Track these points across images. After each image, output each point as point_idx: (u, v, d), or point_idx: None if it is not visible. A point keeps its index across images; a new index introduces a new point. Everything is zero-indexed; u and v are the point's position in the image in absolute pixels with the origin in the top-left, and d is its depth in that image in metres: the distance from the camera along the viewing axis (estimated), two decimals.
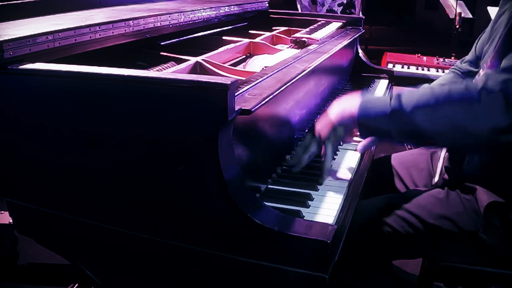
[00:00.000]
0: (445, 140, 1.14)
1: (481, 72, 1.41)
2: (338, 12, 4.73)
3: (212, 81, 0.97)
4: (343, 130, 1.25)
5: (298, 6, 4.91)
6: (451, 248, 1.38)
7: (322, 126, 1.28)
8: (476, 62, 1.67)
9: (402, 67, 3.76)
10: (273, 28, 2.32)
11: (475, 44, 1.70)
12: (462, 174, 1.42)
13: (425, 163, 1.70)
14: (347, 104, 1.22)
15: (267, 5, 2.54)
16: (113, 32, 1.42)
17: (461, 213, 1.36)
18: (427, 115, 1.07)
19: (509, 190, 1.32)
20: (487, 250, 1.35)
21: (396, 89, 1.58)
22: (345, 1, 4.77)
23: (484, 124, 1.03)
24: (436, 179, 1.57)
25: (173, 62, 1.54)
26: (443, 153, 1.56)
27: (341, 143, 1.44)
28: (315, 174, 1.33)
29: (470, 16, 4.37)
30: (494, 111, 1.02)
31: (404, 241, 1.41)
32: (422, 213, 1.39)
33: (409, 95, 1.12)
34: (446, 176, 1.53)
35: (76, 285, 1.95)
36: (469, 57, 1.73)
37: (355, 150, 1.41)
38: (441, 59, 3.84)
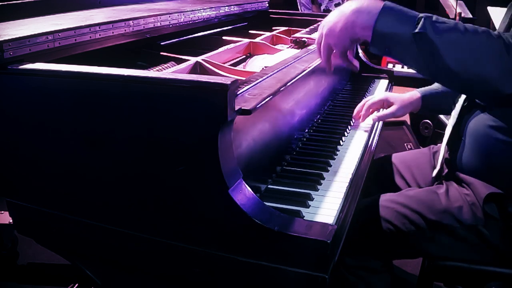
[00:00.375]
0: (459, 71, 1.08)
1: None
2: None
3: (212, 81, 0.97)
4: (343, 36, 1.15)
5: (298, 6, 4.90)
6: (452, 245, 1.38)
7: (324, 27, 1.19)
8: None
9: (402, 67, 3.76)
10: (273, 28, 2.32)
11: None
12: (458, 165, 1.44)
13: (427, 162, 1.71)
14: (363, 3, 1.11)
15: (267, 5, 2.54)
16: (113, 32, 1.42)
17: (461, 207, 1.36)
18: (452, 41, 1.05)
19: (505, 181, 1.32)
20: (487, 246, 1.35)
21: None
22: (340, 1, 4.77)
23: (501, 64, 1.04)
24: (435, 171, 1.58)
25: (173, 62, 1.54)
26: (443, 145, 1.57)
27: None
28: (315, 174, 1.33)
29: (470, 16, 4.37)
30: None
31: (405, 239, 1.41)
32: (422, 209, 1.39)
33: (441, 19, 1.08)
34: (446, 169, 1.54)
35: (76, 285, 1.95)
36: None
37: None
38: None
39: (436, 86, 1.78)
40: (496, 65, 1.05)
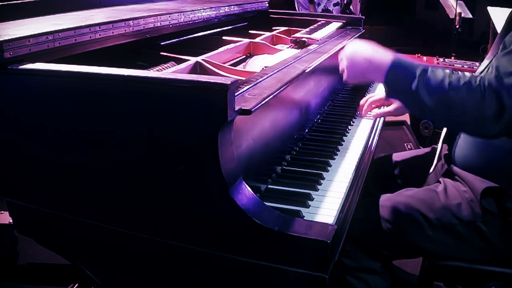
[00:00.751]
0: (449, 124, 1.33)
1: (479, 63, 1.49)
2: (334, 12, 4.73)
3: (212, 81, 0.97)
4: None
5: (296, 5, 4.90)
6: (452, 243, 1.38)
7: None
8: None
9: None
10: (273, 28, 2.32)
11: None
12: (454, 160, 1.46)
13: (427, 162, 1.71)
14: (375, 54, 1.29)
15: (267, 5, 2.54)
16: (113, 32, 1.41)
17: (459, 203, 1.38)
18: (438, 98, 1.20)
19: (501, 175, 1.34)
20: (486, 243, 1.36)
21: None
22: (339, 1, 4.77)
23: (480, 115, 1.16)
24: (432, 167, 1.60)
25: (173, 62, 1.54)
26: (441, 140, 1.58)
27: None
28: (315, 174, 1.33)
29: (470, 16, 4.37)
30: (489, 108, 1.15)
31: (406, 238, 1.41)
32: (422, 208, 1.39)
33: (433, 76, 1.21)
34: (444, 166, 1.56)
35: (76, 285, 1.95)
36: None
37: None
38: (441, 59, 3.84)
39: None
40: (475, 116, 1.18)
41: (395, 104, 1.78)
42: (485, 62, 1.46)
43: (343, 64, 1.38)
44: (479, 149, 1.40)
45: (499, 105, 1.14)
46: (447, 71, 1.23)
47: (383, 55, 1.28)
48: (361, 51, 1.33)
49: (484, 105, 1.15)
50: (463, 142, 1.44)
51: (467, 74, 1.22)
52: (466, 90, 1.17)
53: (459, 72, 1.23)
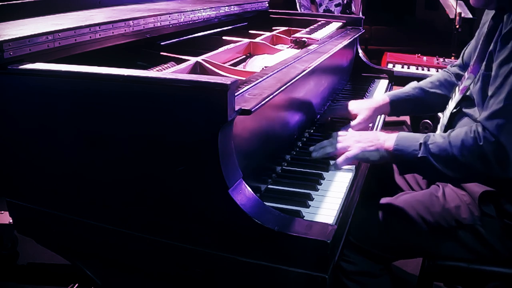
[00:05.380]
0: (461, 179, 1.35)
1: (466, 75, 1.49)
2: (336, 13, 4.72)
3: (212, 81, 0.97)
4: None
5: (298, 6, 4.89)
6: (451, 247, 1.38)
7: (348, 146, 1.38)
8: (464, 67, 1.71)
9: (402, 67, 3.76)
10: (273, 28, 2.32)
11: (463, 52, 1.74)
12: None
13: None
14: (380, 138, 1.38)
15: (267, 5, 2.54)
16: (113, 32, 1.41)
17: (458, 206, 1.38)
18: (446, 163, 1.26)
19: (493, 179, 1.34)
20: (485, 246, 1.36)
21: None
22: (341, 2, 4.76)
23: (484, 168, 1.23)
24: None
25: (173, 62, 1.54)
26: None
27: None
28: (315, 174, 1.33)
29: (470, 16, 4.36)
30: (493, 159, 1.21)
31: (405, 241, 1.41)
32: (422, 212, 1.40)
33: (436, 146, 1.27)
34: None
35: (76, 285, 1.95)
36: (458, 62, 1.79)
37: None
38: (441, 59, 3.84)
39: (406, 89, 1.79)
40: (479, 169, 1.23)
41: (360, 115, 1.68)
42: (470, 76, 1.46)
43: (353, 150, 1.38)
44: None
45: (504, 157, 1.18)
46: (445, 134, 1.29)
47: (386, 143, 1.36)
48: (374, 140, 1.38)
49: (487, 159, 1.20)
50: None
51: (463, 130, 1.26)
52: (468, 150, 1.23)
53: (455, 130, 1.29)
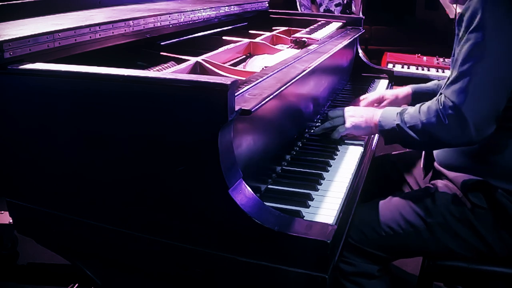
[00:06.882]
0: (429, 144, 1.43)
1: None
2: (336, 13, 4.72)
3: (212, 81, 0.97)
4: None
5: (298, 6, 4.89)
6: (448, 242, 1.39)
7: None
8: None
9: (402, 67, 3.76)
10: (273, 28, 2.32)
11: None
12: (437, 159, 1.53)
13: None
14: (371, 113, 1.52)
15: (267, 5, 2.54)
16: (113, 32, 1.41)
17: (451, 200, 1.40)
18: (415, 129, 1.37)
19: (482, 168, 1.38)
20: (480, 239, 1.37)
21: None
22: (341, 1, 4.75)
23: (448, 132, 1.30)
24: (421, 163, 1.63)
25: (173, 62, 1.54)
26: None
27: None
28: (315, 174, 1.33)
29: None
30: (455, 126, 1.29)
31: (404, 240, 1.41)
32: (418, 210, 1.41)
33: (409, 115, 1.39)
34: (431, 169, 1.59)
35: (76, 285, 1.95)
36: None
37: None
38: (441, 59, 3.84)
39: (429, 85, 1.88)
40: (442, 132, 1.32)
41: (386, 101, 1.84)
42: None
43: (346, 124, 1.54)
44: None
45: (460, 119, 1.26)
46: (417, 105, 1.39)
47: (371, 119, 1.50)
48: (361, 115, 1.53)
49: (447, 121, 1.28)
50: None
51: (431, 100, 1.36)
52: (431, 114, 1.32)
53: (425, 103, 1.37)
